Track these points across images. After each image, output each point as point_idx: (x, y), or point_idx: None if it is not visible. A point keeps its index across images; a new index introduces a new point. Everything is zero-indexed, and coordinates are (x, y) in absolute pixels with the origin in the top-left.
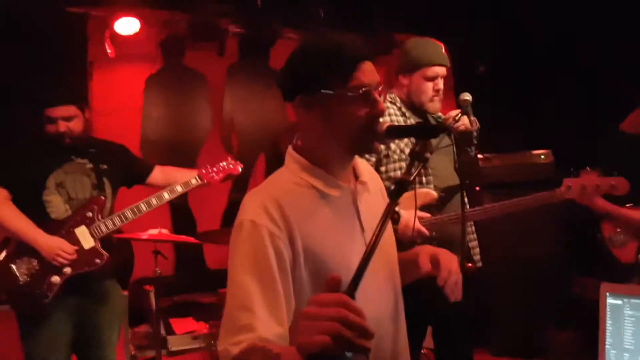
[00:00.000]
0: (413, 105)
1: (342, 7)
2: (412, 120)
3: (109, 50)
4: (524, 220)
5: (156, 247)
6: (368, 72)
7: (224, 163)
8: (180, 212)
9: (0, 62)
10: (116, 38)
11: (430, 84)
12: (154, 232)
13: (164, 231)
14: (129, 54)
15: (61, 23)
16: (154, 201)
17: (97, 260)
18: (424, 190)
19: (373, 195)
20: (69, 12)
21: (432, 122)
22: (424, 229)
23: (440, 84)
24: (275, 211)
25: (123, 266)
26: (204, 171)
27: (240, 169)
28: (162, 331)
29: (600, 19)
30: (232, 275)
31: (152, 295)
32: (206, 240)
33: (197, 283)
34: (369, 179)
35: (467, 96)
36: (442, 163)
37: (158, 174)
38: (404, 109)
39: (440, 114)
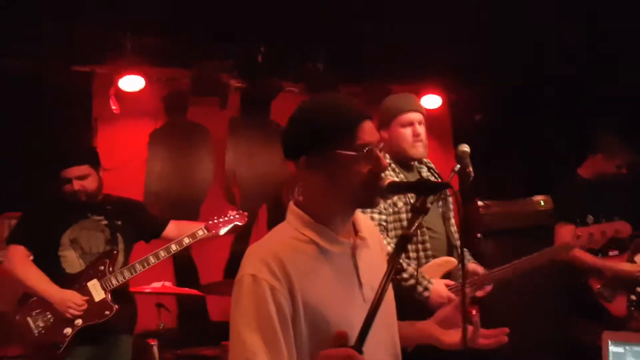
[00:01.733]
0: (399, 159)
1: (340, 61)
2: (402, 175)
3: (113, 107)
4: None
5: (159, 300)
6: (369, 131)
7: (230, 214)
8: (183, 264)
9: (14, 125)
10: (121, 95)
11: (408, 130)
12: (157, 285)
13: (167, 284)
14: (133, 109)
15: (67, 81)
16: (162, 253)
17: (107, 312)
18: (445, 258)
19: (372, 250)
20: (75, 71)
21: (419, 169)
22: (453, 296)
23: (419, 129)
24: (276, 266)
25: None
26: (210, 223)
27: (245, 219)
28: None
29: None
30: (235, 331)
31: (155, 349)
32: (209, 292)
33: (200, 336)
34: (369, 234)
35: (465, 147)
36: (436, 220)
37: (173, 228)
38: (393, 165)
39: (428, 159)
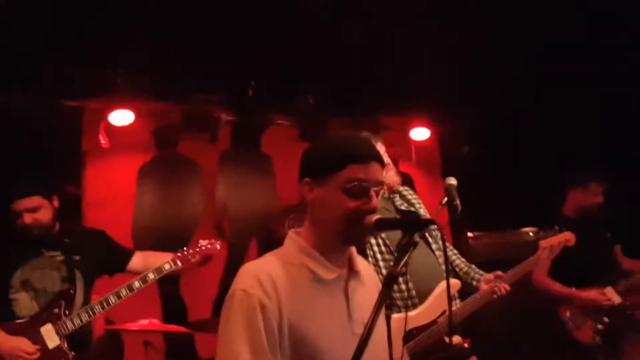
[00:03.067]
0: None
1: (332, 94)
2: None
3: (103, 141)
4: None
5: (146, 338)
6: (367, 170)
7: (201, 244)
8: (171, 300)
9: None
10: (110, 129)
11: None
12: (144, 322)
13: (155, 321)
14: (123, 144)
15: (57, 116)
16: (123, 292)
17: None
18: (453, 281)
19: (367, 287)
20: (65, 105)
21: (393, 199)
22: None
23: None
24: (268, 284)
25: (112, 358)
26: (179, 255)
27: (218, 247)
28: None
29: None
30: (224, 342)
31: None
32: (197, 330)
33: None
34: (365, 271)
35: (452, 180)
36: (418, 259)
37: (139, 260)
38: None
39: (403, 187)
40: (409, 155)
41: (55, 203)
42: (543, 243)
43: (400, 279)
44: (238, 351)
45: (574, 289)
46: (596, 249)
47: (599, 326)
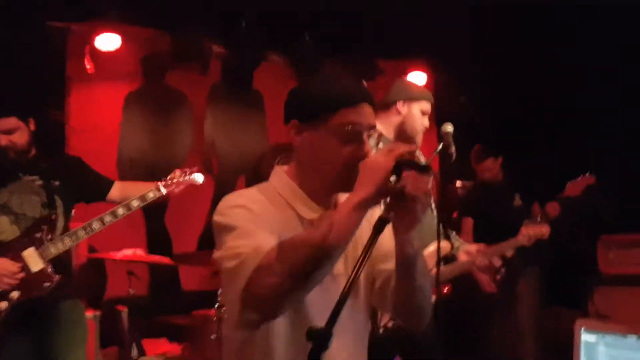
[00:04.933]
0: (401, 137)
1: (327, 33)
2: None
3: (88, 66)
4: None
5: (130, 268)
6: (359, 113)
7: (185, 173)
8: (156, 232)
9: None
10: (96, 54)
11: (424, 118)
12: (128, 252)
13: (139, 252)
14: (109, 70)
15: (40, 37)
16: (107, 218)
17: (47, 284)
18: (445, 243)
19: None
20: (49, 26)
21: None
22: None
23: (427, 121)
24: (254, 207)
25: (95, 286)
26: (162, 183)
27: (202, 179)
28: (134, 352)
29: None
30: (219, 248)
31: (124, 316)
32: (182, 262)
33: (171, 304)
34: None
35: (449, 127)
36: None
37: (118, 190)
38: (379, 140)
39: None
40: None
41: (32, 126)
42: (524, 230)
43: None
44: (235, 242)
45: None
46: (503, 212)
47: (497, 277)
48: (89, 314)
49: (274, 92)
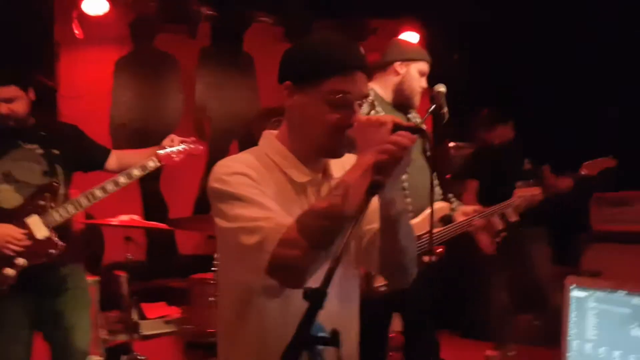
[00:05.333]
0: (400, 99)
1: None
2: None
3: (76, 31)
4: None
5: (127, 233)
6: (352, 82)
7: (185, 143)
8: (151, 198)
9: None
10: (84, 18)
11: (422, 79)
12: (124, 218)
13: (135, 217)
14: (98, 35)
15: (26, 3)
16: (109, 186)
17: (52, 251)
18: (441, 204)
19: None
20: None
21: (408, 116)
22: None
23: (425, 82)
24: (250, 170)
25: (93, 251)
26: (162, 153)
27: (201, 149)
28: (134, 316)
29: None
30: (228, 219)
31: (123, 280)
32: (177, 227)
33: (168, 268)
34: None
35: (441, 88)
36: (417, 179)
37: (114, 159)
38: (376, 102)
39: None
40: None
41: (31, 95)
42: (518, 192)
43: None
44: (246, 213)
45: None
46: (509, 173)
47: (497, 239)
48: (89, 279)
49: (264, 54)
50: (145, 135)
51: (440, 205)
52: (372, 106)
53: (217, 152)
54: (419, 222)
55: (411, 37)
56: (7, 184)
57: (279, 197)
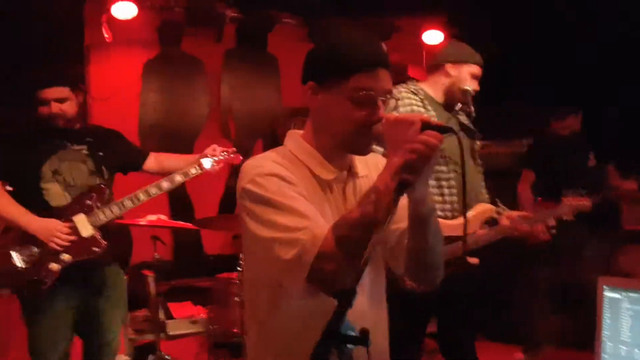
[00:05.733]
0: (449, 100)
1: None
2: (432, 114)
3: (106, 35)
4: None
5: (154, 233)
6: (377, 78)
7: (225, 152)
8: (178, 198)
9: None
10: (113, 22)
11: (474, 82)
12: (152, 218)
13: (162, 217)
14: (126, 38)
15: (58, 5)
16: (152, 190)
17: (95, 249)
18: (482, 206)
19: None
20: None
21: (458, 115)
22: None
23: (477, 85)
24: (282, 169)
25: (122, 251)
26: (204, 161)
27: (240, 160)
28: (161, 315)
29: None
30: (263, 224)
31: (150, 280)
32: (204, 227)
33: (195, 268)
34: (372, 171)
35: (467, 86)
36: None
37: (152, 160)
38: (426, 102)
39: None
40: (419, 60)
41: (80, 98)
42: (566, 200)
43: (444, 183)
44: (281, 220)
45: (529, 205)
46: (573, 167)
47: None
48: None
49: (288, 55)
50: (173, 136)
51: (484, 208)
52: (397, 104)
53: (241, 152)
54: (458, 225)
55: (435, 36)
56: (57, 183)
57: (308, 195)
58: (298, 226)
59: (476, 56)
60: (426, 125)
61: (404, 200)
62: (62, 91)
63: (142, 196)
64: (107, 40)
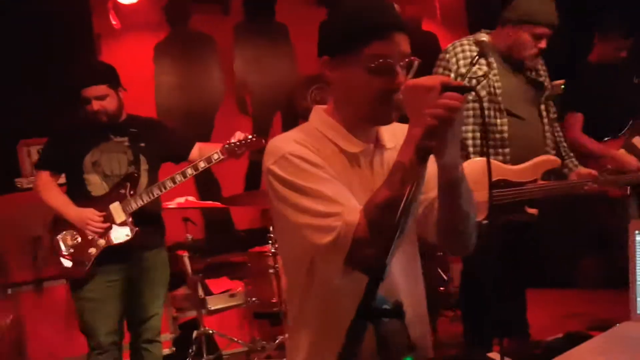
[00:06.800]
0: (512, 60)
1: None
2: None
3: (113, 22)
4: None
5: (185, 214)
6: (392, 44)
7: (248, 138)
8: (204, 178)
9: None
10: (119, 8)
11: (534, 42)
12: (181, 200)
13: (191, 198)
14: (134, 23)
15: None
16: (178, 177)
17: (127, 235)
18: (546, 157)
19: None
20: None
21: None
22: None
23: (544, 44)
24: (306, 149)
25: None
26: (227, 146)
27: (262, 144)
28: (200, 292)
29: None
30: (294, 208)
31: (186, 260)
32: (232, 204)
33: (227, 244)
34: (400, 141)
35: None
36: (522, 129)
37: (197, 150)
38: (489, 53)
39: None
40: (433, 12)
41: (121, 94)
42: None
43: (497, 135)
44: (307, 204)
45: (603, 144)
46: (620, 96)
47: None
48: None
49: (299, 22)
50: (192, 116)
51: (546, 158)
52: (485, 56)
53: (261, 125)
54: (517, 170)
55: None
56: (96, 174)
57: (333, 170)
58: (330, 212)
59: (541, 15)
60: (446, 87)
61: (432, 168)
62: (101, 89)
63: (169, 183)
64: (116, 27)
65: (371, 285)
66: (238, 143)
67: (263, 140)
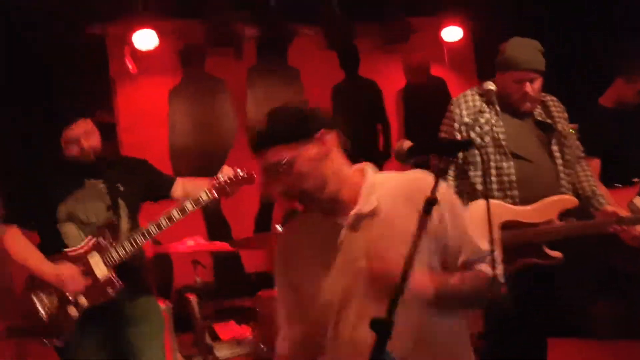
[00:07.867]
0: (509, 109)
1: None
2: (485, 115)
3: (130, 66)
4: None
5: (194, 257)
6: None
7: (238, 174)
8: (213, 218)
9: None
10: (136, 53)
11: (517, 87)
12: (190, 242)
13: (200, 239)
14: (150, 67)
15: (81, 43)
16: (164, 222)
17: (110, 290)
18: (562, 196)
19: (396, 217)
20: (88, 34)
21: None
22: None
23: (529, 88)
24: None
25: (163, 277)
26: (216, 185)
27: (254, 179)
28: (208, 339)
29: None
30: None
31: (194, 304)
32: (241, 247)
33: (236, 287)
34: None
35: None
36: (533, 170)
37: (179, 187)
38: (495, 101)
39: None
40: (441, 57)
41: (119, 132)
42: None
43: (505, 178)
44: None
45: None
46: (635, 142)
47: None
48: (162, 305)
49: (310, 64)
50: (204, 157)
51: (562, 198)
52: (492, 104)
53: None
54: (528, 211)
55: (454, 32)
56: (72, 223)
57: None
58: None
59: (518, 59)
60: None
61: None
62: (85, 124)
63: (153, 229)
64: (132, 71)
65: (378, 342)
66: (228, 181)
67: (254, 175)
